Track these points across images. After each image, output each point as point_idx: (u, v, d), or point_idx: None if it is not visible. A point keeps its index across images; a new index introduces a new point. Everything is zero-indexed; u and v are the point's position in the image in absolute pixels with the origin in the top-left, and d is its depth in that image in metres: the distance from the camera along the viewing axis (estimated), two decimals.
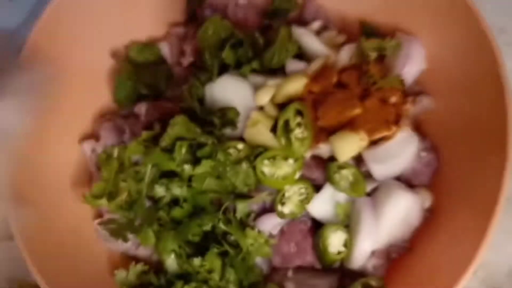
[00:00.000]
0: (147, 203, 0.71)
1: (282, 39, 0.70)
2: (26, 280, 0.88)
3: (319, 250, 0.69)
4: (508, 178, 0.62)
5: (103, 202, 0.70)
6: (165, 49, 0.82)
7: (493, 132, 0.63)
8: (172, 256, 0.69)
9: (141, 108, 0.75)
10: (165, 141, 0.68)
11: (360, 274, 0.71)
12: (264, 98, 0.70)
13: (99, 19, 0.77)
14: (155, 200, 0.70)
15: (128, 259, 0.75)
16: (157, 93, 0.79)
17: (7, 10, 0.97)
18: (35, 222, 0.69)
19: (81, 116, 0.80)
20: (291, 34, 0.71)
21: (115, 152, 0.72)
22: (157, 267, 0.73)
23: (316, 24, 0.79)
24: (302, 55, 0.74)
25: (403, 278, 0.70)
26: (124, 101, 0.80)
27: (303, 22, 0.80)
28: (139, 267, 0.71)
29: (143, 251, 0.75)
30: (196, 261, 0.67)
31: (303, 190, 0.70)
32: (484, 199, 0.63)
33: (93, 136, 0.80)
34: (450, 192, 0.70)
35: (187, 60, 0.78)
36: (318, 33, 0.79)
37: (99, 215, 0.78)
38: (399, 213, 0.68)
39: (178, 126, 0.68)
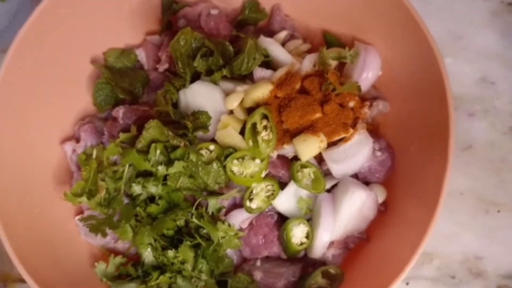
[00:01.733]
0: (125, 201, 0.76)
1: (249, 49, 0.75)
2: (10, 274, 0.93)
3: (284, 241, 0.75)
4: (448, 176, 0.69)
5: (83, 199, 0.75)
6: (142, 56, 0.86)
7: (437, 134, 0.70)
8: (149, 249, 0.75)
9: (119, 112, 0.80)
10: (140, 143, 0.73)
11: (321, 263, 0.77)
12: (234, 103, 0.76)
13: (80, 27, 0.81)
14: (133, 198, 0.76)
15: (107, 253, 0.80)
16: (134, 97, 0.84)
17: None
18: (19, 218, 0.74)
19: (62, 119, 0.84)
20: (257, 44, 0.77)
21: (94, 153, 0.76)
22: (135, 259, 0.79)
23: (283, 34, 0.84)
24: (269, 62, 0.80)
25: (359, 265, 0.77)
26: (103, 105, 0.84)
27: (271, 32, 0.86)
28: (118, 259, 0.77)
29: (121, 245, 0.80)
30: (171, 253, 0.72)
31: (269, 187, 0.77)
32: (429, 194, 0.70)
33: (74, 137, 0.84)
34: (402, 187, 0.77)
35: (162, 66, 0.83)
36: (284, 42, 0.85)
37: (79, 212, 0.82)
38: (355, 207, 0.74)
39: (152, 129, 0.73)
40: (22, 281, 0.93)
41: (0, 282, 0.93)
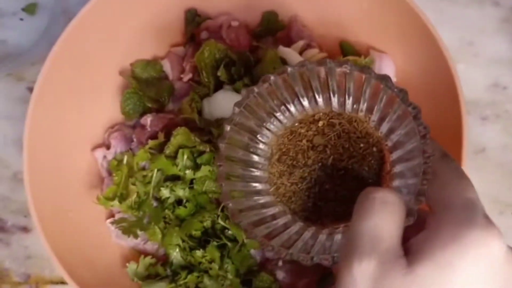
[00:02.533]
0: (154, 204, 0.80)
1: (270, 58, 0.80)
2: (42, 276, 0.98)
3: None
4: None
5: (115, 203, 0.80)
6: (167, 66, 0.91)
7: (450, 138, 0.73)
8: (177, 249, 0.79)
9: (147, 120, 0.84)
10: (169, 149, 0.78)
11: None
12: None
13: (109, 41, 0.86)
14: (161, 201, 0.80)
15: (137, 254, 0.84)
16: (160, 106, 0.88)
17: (19, 30, 1.06)
18: (55, 222, 0.78)
19: (92, 127, 0.89)
20: (277, 55, 0.81)
21: (125, 159, 0.81)
22: (163, 260, 0.83)
23: (300, 43, 0.89)
24: None
25: None
26: (131, 113, 0.89)
27: (289, 41, 0.90)
28: (148, 260, 0.81)
29: (150, 246, 0.84)
30: (198, 253, 0.76)
31: None
32: None
33: (104, 144, 0.89)
34: None
35: (186, 76, 0.88)
36: (302, 51, 0.89)
37: (110, 215, 0.87)
38: None
39: (180, 136, 0.77)
40: (54, 282, 0.98)
41: (32, 284, 0.98)
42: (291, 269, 0.81)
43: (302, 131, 0.55)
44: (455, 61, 0.75)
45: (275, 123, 0.56)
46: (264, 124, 0.56)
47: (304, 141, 0.54)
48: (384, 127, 0.50)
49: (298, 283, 0.79)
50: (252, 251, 0.81)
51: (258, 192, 0.55)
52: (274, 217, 0.53)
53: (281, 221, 0.53)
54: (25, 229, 1.00)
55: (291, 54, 0.84)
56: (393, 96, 0.49)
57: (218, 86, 0.84)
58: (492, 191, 0.94)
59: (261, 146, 0.56)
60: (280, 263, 0.82)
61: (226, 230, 0.78)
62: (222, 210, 0.79)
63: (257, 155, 0.56)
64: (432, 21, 0.76)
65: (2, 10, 1.05)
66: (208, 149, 0.77)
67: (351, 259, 0.39)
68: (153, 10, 0.87)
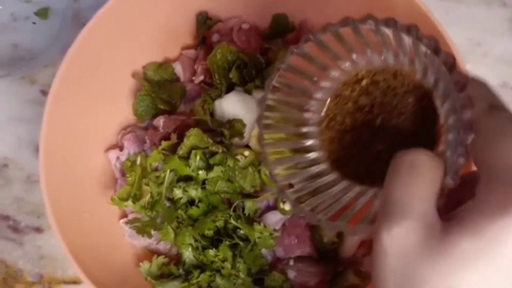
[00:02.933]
0: (167, 204, 0.81)
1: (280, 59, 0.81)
2: (55, 277, 0.99)
3: (316, 241, 0.80)
4: None
5: (129, 203, 0.81)
6: (178, 69, 0.92)
7: None
8: (189, 249, 0.80)
9: (160, 121, 0.86)
10: (182, 150, 0.79)
11: (351, 261, 0.81)
12: None
13: (122, 44, 0.87)
14: (174, 201, 0.81)
15: (150, 254, 0.85)
16: (173, 108, 0.90)
17: (31, 34, 1.07)
18: (71, 222, 0.79)
19: (105, 129, 0.90)
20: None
21: (138, 160, 0.82)
22: (176, 259, 0.84)
23: None
24: None
25: None
26: (144, 115, 0.90)
27: (298, 43, 0.91)
28: (161, 259, 0.82)
29: (163, 246, 0.85)
30: (211, 252, 0.77)
31: None
32: None
33: (117, 146, 0.91)
34: None
35: (198, 78, 0.89)
36: None
37: (123, 215, 0.88)
38: None
39: (193, 137, 0.79)
40: (66, 282, 0.99)
41: (45, 284, 0.99)
42: (302, 268, 0.81)
43: (347, 93, 0.52)
44: (463, 61, 0.76)
45: (318, 89, 0.53)
46: (308, 92, 0.53)
47: (349, 103, 0.51)
48: (431, 78, 0.45)
49: (310, 282, 0.80)
50: (264, 251, 0.82)
51: (312, 162, 0.52)
52: (330, 185, 0.50)
53: (337, 188, 0.50)
54: (38, 230, 1.01)
55: None
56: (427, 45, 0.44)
57: (230, 88, 0.85)
58: None
59: (308, 114, 0.53)
60: (291, 262, 0.83)
61: (238, 230, 0.79)
62: (234, 210, 0.80)
63: (306, 124, 0.53)
64: (441, 20, 0.77)
65: (15, 14, 1.07)
66: (220, 150, 0.78)
67: (381, 228, 0.35)
68: (165, 13, 0.89)
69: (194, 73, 0.91)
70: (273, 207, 0.83)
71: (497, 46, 1.00)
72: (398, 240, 0.34)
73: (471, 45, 1.00)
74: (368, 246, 0.81)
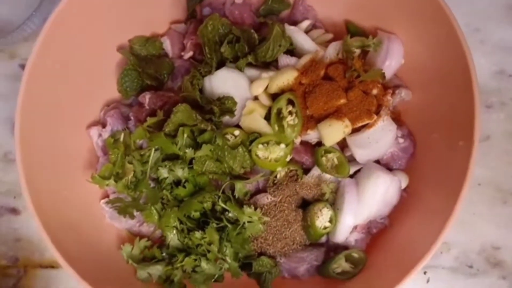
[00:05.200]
0: (151, 184, 0.77)
1: (276, 35, 0.77)
2: (31, 260, 0.94)
3: (307, 226, 0.76)
4: (473, 163, 0.69)
5: (111, 182, 0.76)
6: (167, 44, 0.88)
7: (461, 122, 0.71)
8: (174, 231, 0.76)
9: (145, 97, 0.81)
10: (168, 127, 0.75)
11: (343, 247, 0.78)
12: (259, 89, 0.77)
13: (106, 16, 0.82)
14: (159, 181, 0.77)
15: (132, 236, 0.81)
16: (160, 84, 0.85)
17: (10, 5, 1.02)
18: (48, 201, 0.75)
19: (88, 105, 0.85)
20: (284, 31, 0.78)
21: (122, 137, 0.78)
22: (159, 243, 0.80)
23: (306, 23, 0.86)
24: (292, 50, 0.81)
25: (381, 251, 0.78)
26: (128, 91, 0.85)
27: (293, 21, 0.87)
28: (143, 242, 0.78)
29: (146, 228, 0.81)
30: (197, 234, 0.73)
31: (293, 172, 0.78)
32: (452, 182, 0.70)
33: (99, 123, 0.86)
34: (424, 175, 0.78)
35: (187, 53, 0.85)
36: (306, 31, 0.86)
37: (105, 196, 0.84)
38: (380, 191, 0.75)
39: (181, 113, 0.74)
40: (43, 266, 0.94)
41: (20, 268, 0.94)
42: (291, 253, 0.78)
43: None
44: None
45: None
46: None
47: None
48: None
49: (299, 268, 0.77)
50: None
51: None
52: None
53: None
54: (14, 211, 0.96)
55: (297, 33, 0.81)
56: None
57: (221, 64, 0.81)
58: (496, 179, 0.92)
59: None
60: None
61: (227, 212, 0.75)
62: (222, 192, 0.76)
63: None
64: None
65: None
66: (209, 128, 0.74)
67: None
68: None
69: (183, 48, 0.87)
70: (262, 190, 0.79)
71: (495, 33, 0.98)
72: None
73: (469, 31, 0.98)
74: (362, 231, 0.78)
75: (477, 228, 0.92)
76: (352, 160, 0.78)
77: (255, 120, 0.77)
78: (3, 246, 0.95)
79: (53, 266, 0.93)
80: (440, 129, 0.76)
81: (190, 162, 0.76)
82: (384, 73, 0.76)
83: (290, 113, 0.75)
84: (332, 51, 0.79)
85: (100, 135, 0.83)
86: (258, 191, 0.79)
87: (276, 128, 0.75)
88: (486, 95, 0.95)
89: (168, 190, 0.76)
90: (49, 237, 0.71)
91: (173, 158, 0.76)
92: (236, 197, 0.76)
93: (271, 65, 0.81)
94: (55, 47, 0.78)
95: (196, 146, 0.75)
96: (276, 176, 0.78)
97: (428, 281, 0.90)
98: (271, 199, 0.76)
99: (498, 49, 0.97)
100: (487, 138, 0.93)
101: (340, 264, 0.76)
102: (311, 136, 0.77)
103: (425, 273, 0.90)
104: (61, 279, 0.92)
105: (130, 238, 0.81)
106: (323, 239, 0.79)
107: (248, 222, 0.74)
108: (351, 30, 0.86)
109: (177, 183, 0.76)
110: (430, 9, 0.73)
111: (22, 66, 1.01)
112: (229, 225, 0.74)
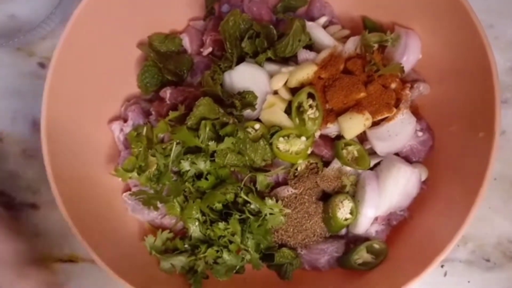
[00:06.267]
0: (173, 177, 0.78)
1: (296, 30, 0.78)
2: (51, 254, 0.95)
3: (328, 217, 0.77)
4: (494, 156, 0.69)
5: (134, 175, 0.77)
6: (186, 40, 0.89)
7: (480, 115, 0.71)
8: (196, 223, 0.77)
9: (166, 92, 0.82)
10: (191, 120, 0.76)
11: (363, 239, 0.79)
12: (279, 83, 0.78)
13: (126, 15, 0.84)
14: (180, 174, 0.78)
15: (154, 229, 0.82)
16: (180, 79, 0.86)
17: (29, 4, 1.03)
18: (73, 193, 0.76)
19: (110, 101, 0.87)
20: (305, 26, 0.79)
21: (144, 131, 0.79)
22: (181, 235, 0.81)
23: (323, 19, 0.87)
24: (311, 46, 0.83)
25: (401, 243, 0.79)
26: (148, 87, 0.86)
27: (310, 18, 0.88)
28: (165, 234, 0.79)
29: (167, 221, 0.82)
30: (221, 225, 0.74)
31: (313, 165, 0.79)
32: (472, 175, 0.71)
33: (120, 118, 0.87)
34: (443, 168, 0.79)
35: (206, 50, 0.86)
36: (324, 27, 0.87)
37: (126, 189, 0.85)
38: (401, 183, 0.76)
39: (203, 107, 0.75)
40: (63, 261, 0.95)
41: (40, 262, 0.95)
42: (312, 245, 0.79)
43: None
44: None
45: None
46: None
47: None
48: None
49: (320, 259, 0.78)
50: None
51: None
52: None
53: None
54: (33, 206, 0.97)
55: (316, 28, 0.82)
56: None
57: (240, 59, 0.82)
58: (511, 173, 0.93)
59: None
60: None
61: (248, 204, 0.76)
62: (244, 184, 0.77)
63: None
64: None
65: None
66: (231, 121, 0.75)
67: None
68: None
69: (202, 45, 0.88)
70: (283, 183, 0.80)
71: (509, 29, 0.99)
72: None
73: (484, 27, 0.99)
74: (383, 222, 0.79)
75: (493, 222, 0.92)
76: (372, 153, 0.79)
77: (275, 113, 0.78)
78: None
79: (72, 260, 0.94)
80: (458, 122, 0.77)
81: (212, 155, 0.77)
82: (403, 67, 0.77)
83: (311, 106, 0.76)
84: (351, 46, 0.80)
85: (121, 129, 0.85)
86: (278, 184, 0.80)
87: (297, 121, 0.76)
88: (501, 91, 0.95)
89: (190, 183, 0.77)
90: (78, 230, 0.72)
91: (194, 151, 0.77)
92: (258, 189, 0.77)
93: (290, 60, 0.82)
94: (77, 45, 0.80)
95: (218, 139, 0.76)
96: (296, 169, 0.78)
97: (445, 274, 0.91)
98: (291, 191, 0.77)
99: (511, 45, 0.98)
100: (503, 133, 0.94)
101: (362, 255, 0.76)
102: (331, 129, 0.78)
103: (442, 266, 0.91)
104: (81, 273, 0.93)
105: (152, 230, 0.82)
106: (343, 231, 0.80)
107: (270, 214, 0.75)
108: (368, 25, 0.87)
109: (199, 176, 0.77)
110: (447, 2, 0.74)
111: (41, 65, 1.02)
112: (251, 217, 0.75)
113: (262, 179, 0.77)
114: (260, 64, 0.81)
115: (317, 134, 0.79)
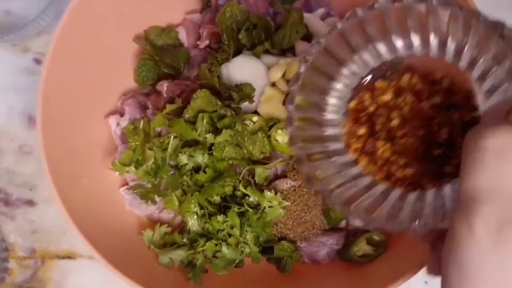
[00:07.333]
0: (171, 171, 0.78)
1: (293, 21, 0.78)
2: (48, 251, 0.95)
3: (327, 210, 0.77)
4: None
5: (131, 169, 0.77)
6: (182, 34, 0.89)
7: None
8: (194, 217, 0.76)
9: (163, 85, 0.82)
10: (188, 113, 0.75)
11: (364, 230, 0.79)
12: (277, 74, 0.78)
13: (122, 8, 0.83)
14: (178, 168, 0.77)
15: (152, 223, 0.82)
16: (177, 73, 0.86)
17: (24, 0, 1.02)
18: (71, 188, 0.75)
19: (106, 95, 0.86)
20: (302, 17, 0.79)
21: (141, 124, 0.78)
22: (179, 229, 0.81)
23: (320, 11, 0.87)
24: (309, 37, 0.82)
25: (400, 234, 0.78)
26: (145, 80, 0.86)
27: (307, 10, 0.88)
28: (163, 228, 0.78)
29: (165, 215, 0.81)
30: (220, 218, 0.74)
31: None
32: None
33: (117, 112, 0.86)
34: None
35: (203, 43, 0.85)
36: (322, 19, 0.87)
37: (123, 184, 0.84)
38: None
39: (200, 99, 0.75)
40: (60, 257, 0.95)
41: (37, 259, 0.94)
42: (312, 237, 0.79)
43: (382, 85, 0.49)
44: None
45: (353, 66, 0.50)
46: (343, 66, 0.49)
47: (387, 95, 0.48)
48: (478, 69, 0.46)
49: (320, 252, 0.77)
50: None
51: (335, 153, 0.50)
52: (355, 177, 0.48)
53: (364, 182, 0.47)
54: (30, 203, 0.97)
55: (314, 20, 0.82)
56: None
57: (237, 51, 0.82)
58: None
59: (333, 101, 0.50)
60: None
61: (247, 197, 0.75)
62: (242, 177, 0.76)
63: (329, 112, 0.51)
64: None
65: None
66: (229, 113, 0.75)
67: (468, 214, 0.34)
68: None
69: (198, 38, 0.88)
70: (281, 176, 0.80)
71: (507, 22, 0.99)
72: (488, 223, 0.34)
73: None
74: None
75: None
76: None
77: (273, 105, 0.77)
78: (20, 238, 0.95)
79: (70, 256, 0.94)
80: None
81: (209, 148, 0.76)
82: None
83: None
84: None
85: (118, 124, 0.84)
86: (277, 176, 0.80)
87: None
88: None
89: (188, 176, 0.76)
90: (75, 225, 0.71)
91: (192, 144, 0.77)
92: (256, 182, 0.76)
93: (287, 52, 0.82)
94: (72, 40, 0.79)
95: (216, 132, 0.76)
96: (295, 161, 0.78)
97: None
98: (290, 183, 0.77)
99: None
100: None
101: (362, 247, 0.76)
102: None
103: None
104: (78, 269, 0.93)
105: (150, 225, 0.82)
106: (342, 223, 0.80)
107: (269, 207, 0.75)
108: None
109: (197, 169, 0.77)
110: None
111: (36, 60, 1.02)
112: (250, 210, 0.74)
113: (261, 172, 0.76)
114: (257, 56, 0.81)
115: None
